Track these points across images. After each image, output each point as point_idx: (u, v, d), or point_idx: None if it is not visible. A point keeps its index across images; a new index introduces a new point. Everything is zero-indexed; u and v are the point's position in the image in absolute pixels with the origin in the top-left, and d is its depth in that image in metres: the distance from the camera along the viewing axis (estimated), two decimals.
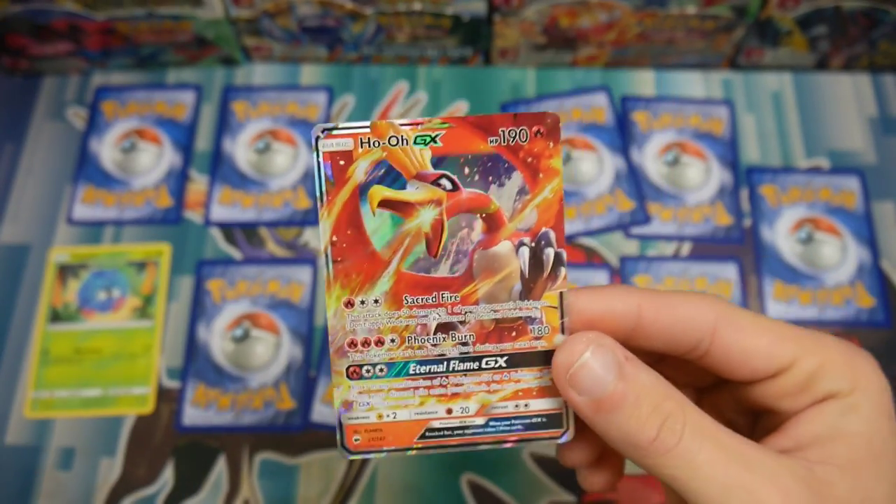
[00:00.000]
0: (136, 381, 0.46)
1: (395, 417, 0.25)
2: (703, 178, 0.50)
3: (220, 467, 0.44)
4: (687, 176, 0.50)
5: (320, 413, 0.44)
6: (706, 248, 0.48)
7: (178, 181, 0.51)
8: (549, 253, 0.24)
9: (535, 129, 0.23)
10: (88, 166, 0.51)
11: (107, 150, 0.52)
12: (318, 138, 0.23)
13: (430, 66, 0.54)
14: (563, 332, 0.24)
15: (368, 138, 0.23)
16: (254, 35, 0.52)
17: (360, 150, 0.23)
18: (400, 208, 0.24)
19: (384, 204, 0.24)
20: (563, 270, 0.24)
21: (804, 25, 0.49)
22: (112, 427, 0.45)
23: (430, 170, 0.24)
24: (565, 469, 0.43)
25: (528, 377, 0.24)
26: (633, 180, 0.50)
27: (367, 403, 0.25)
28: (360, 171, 0.23)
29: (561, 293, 0.24)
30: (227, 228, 0.50)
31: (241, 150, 0.51)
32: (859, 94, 0.53)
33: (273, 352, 0.46)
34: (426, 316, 0.24)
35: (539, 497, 0.42)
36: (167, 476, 0.43)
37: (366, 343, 0.24)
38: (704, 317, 0.23)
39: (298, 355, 0.46)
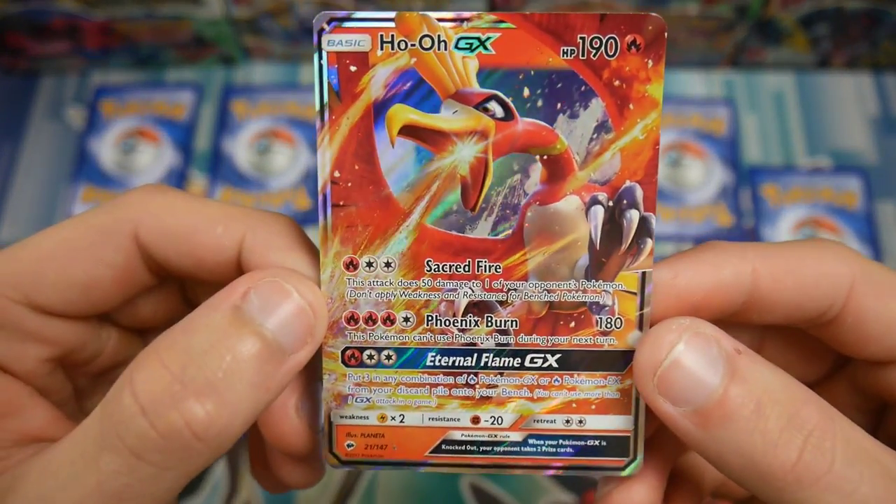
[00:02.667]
0: None
1: (402, 421, 0.19)
2: (704, 177, 0.50)
3: (220, 468, 0.43)
4: (688, 176, 0.50)
5: None
6: None
7: (177, 181, 0.51)
8: (632, 216, 0.17)
9: (628, 38, 0.17)
10: (88, 166, 0.51)
11: (106, 150, 0.52)
12: (321, 31, 0.17)
13: None
14: (640, 327, 0.18)
15: (392, 36, 0.17)
16: (253, 34, 0.52)
17: (379, 52, 0.17)
18: (430, 138, 0.17)
19: (408, 131, 0.17)
20: (649, 243, 0.17)
21: (806, 25, 0.49)
22: None
23: (476, 87, 0.17)
24: None
25: (586, 385, 0.18)
26: None
27: (368, 399, 0.19)
28: (377, 82, 0.17)
29: (643, 274, 0.18)
30: None
31: (240, 149, 0.51)
32: (861, 93, 0.53)
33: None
34: (454, 290, 0.18)
35: (539, 497, 0.42)
36: None
37: (370, 319, 0.18)
38: (838, 274, 0.17)
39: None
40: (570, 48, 0.17)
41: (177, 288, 0.21)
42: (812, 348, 0.20)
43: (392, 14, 0.17)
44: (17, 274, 0.17)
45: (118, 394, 0.15)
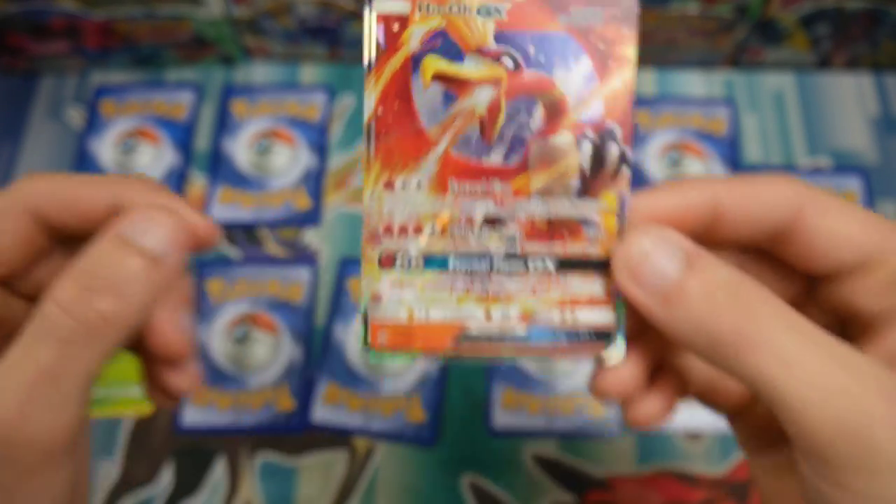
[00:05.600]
0: (136, 381, 0.45)
1: (427, 316, 0.22)
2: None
3: (220, 468, 0.43)
4: (688, 175, 0.50)
5: (320, 414, 0.44)
6: None
7: (177, 181, 0.51)
8: (613, 149, 0.22)
9: (609, 11, 0.22)
10: (87, 166, 0.51)
11: (106, 150, 0.51)
12: None
13: None
14: (620, 238, 0.22)
15: (427, 4, 0.21)
16: (253, 34, 0.52)
17: (417, 14, 0.21)
18: (455, 84, 0.22)
19: (438, 77, 0.22)
20: (626, 170, 0.22)
21: (806, 25, 0.49)
22: (111, 428, 0.44)
23: (493, 45, 0.22)
24: (565, 469, 0.43)
25: (577, 284, 0.22)
26: (635, 180, 0.50)
27: (398, 298, 0.22)
28: (414, 38, 0.22)
29: (622, 195, 0.22)
30: (228, 228, 0.49)
31: (240, 149, 0.51)
32: (861, 93, 0.53)
33: (273, 353, 0.45)
34: (472, 206, 0.22)
35: (539, 497, 0.42)
36: (167, 477, 0.43)
37: (403, 230, 0.22)
38: (788, 198, 0.21)
39: (298, 356, 0.45)
40: (565, 17, 0.22)
41: (71, 257, 0.25)
42: (784, 272, 0.23)
43: None
44: None
45: (42, 308, 0.20)
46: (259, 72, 0.54)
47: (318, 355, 0.46)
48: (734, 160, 0.50)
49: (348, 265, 0.48)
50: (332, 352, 0.45)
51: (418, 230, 0.22)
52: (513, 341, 0.22)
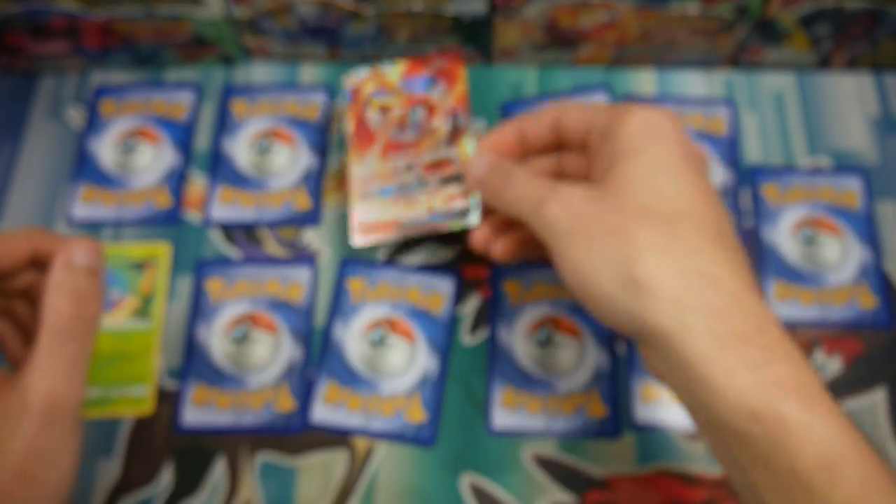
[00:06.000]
0: (136, 381, 0.45)
1: (384, 218, 0.41)
2: None
3: (220, 468, 0.43)
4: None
5: (320, 414, 0.44)
6: None
7: (177, 181, 0.51)
8: (460, 121, 0.42)
9: (447, 59, 0.44)
10: (87, 166, 0.51)
11: (106, 150, 0.51)
12: (345, 78, 0.46)
13: None
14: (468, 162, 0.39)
15: (370, 75, 0.45)
16: (253, 34, 0.52)
17: (367, 83, 0.45)
18: (385, 108, 0.44)
19: (378, 107, 0.44)
20: (468, 130, 0.42)
21: (806, 25, 0.49)
22: (111, 428, 0.44)
23: (400, 86, 0.44)
24: (565, 469, 0.43)
25: (452, 189, 0.40)
26: None
27: (369, 211, 0.42)
28: (366, 91, 0.45)
29: (468, 142, 0.41)
30: (227, 228, 0.49)
31: (240, 149, 0.51)
32: (862, 93, 0.53)
33: (273, 353, 0.45)
34: (399, 162, 0.42)
35: (539, 497, 0.42)
36: (167, 477, 0.43)
37: (369, 180, 0.42)
38: (551, 115, 0.36)
39: (298, 356, 0.45)
40: (428, 67, 0.44)
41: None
42: (585, 161, 0.37)
43: (369, 69, 0.45)
44: None
45: (56, 319, 0.30)
46: (259, 72, 0.54)
47: (318, 355, 0.46)
48: (734, 160, 0.50)
49: (348, 265, 0.48)
50: (332, 352, 0.45)
51: (375, 178, 0.42)
52: (425, 223, 0.40)
